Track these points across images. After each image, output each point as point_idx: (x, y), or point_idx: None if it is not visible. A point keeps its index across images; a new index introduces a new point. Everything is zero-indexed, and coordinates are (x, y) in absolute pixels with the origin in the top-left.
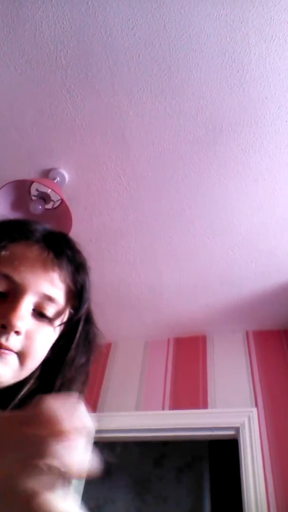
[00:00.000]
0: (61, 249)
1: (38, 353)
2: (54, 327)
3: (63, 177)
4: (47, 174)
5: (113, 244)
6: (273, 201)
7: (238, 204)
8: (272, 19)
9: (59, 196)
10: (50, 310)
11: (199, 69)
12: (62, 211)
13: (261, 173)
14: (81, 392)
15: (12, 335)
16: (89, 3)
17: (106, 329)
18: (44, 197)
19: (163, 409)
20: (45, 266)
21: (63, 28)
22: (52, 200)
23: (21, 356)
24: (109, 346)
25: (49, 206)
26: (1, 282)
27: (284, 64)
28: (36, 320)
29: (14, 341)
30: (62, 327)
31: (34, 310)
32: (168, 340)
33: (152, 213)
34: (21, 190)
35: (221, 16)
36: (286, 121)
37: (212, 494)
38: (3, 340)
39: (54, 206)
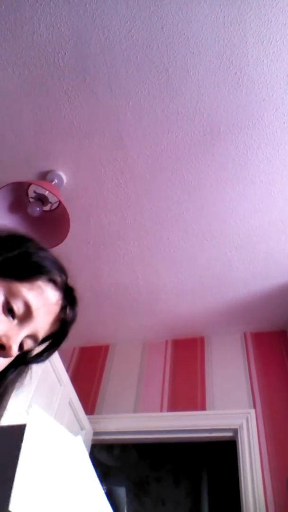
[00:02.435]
0: (74, 306)
1: None
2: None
3: (61, 179)
4: (44, 176)
5: (111, 246)
6: (270, 203)
7: (235, 206)
8: (269, 21)
9: (57, 198)
10: (28, 345)
11: (197, 71)
12: (60, 213)
13: (259, 175)
14: None
15: (2, 356)
16: (87, 5)
17: (104, 331)
18: (42, 199)
19: (161, 411)
20: (55, 316)
21: (61, 30)
22: (50, 202)
23: None
24: (107, 348)
25: (46, 208)
26: (21, 305)
27: (282, 66)
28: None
29: None
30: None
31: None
32: (166, 341)
33: (150, 215)
34: (18, 192)
35: (219, 18)
36: (284, 123)
37: (210, 496)
38: None
39: (52, 208)
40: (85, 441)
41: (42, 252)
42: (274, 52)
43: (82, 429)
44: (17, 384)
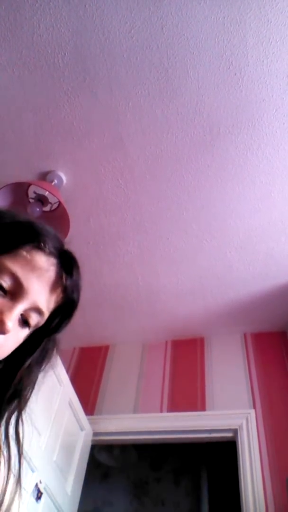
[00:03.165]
0: (71, 271)
1: (6, 352)
2: (28, 334)
3: (60, 180)
4: (44, 176)
5: (111, 246)
6: (270, 203)
7: (235, 207)
8: (269, 21)
9: (57, 198)
10: (34, 320)
11: (197, 72)
12: (60, 214)
13: (259, 175)
14: (25, 402)
15: None
16: (86, 6)
17: (104, 331)
18: (41, 200)
19: (161, 411)
20: (52, 283)
21: (61, 31)
22: (50, 203)
23: None
24: (107, 348)
25: (46, 208)
26: (8, 278)
27: (282, 66)
28: (18, 324)
29: None
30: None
31: (21, 315)
32: (166, 342)
33: (150, 216)
34: (18, 193)
35: (219, 18)
36: (283, 123)
37: (210, 496)
38: None
39: (52, 209)
40: (85, 442)
41: (21, 220)
42: (274, 52)
43: (82, 429)
44: (45, 362)
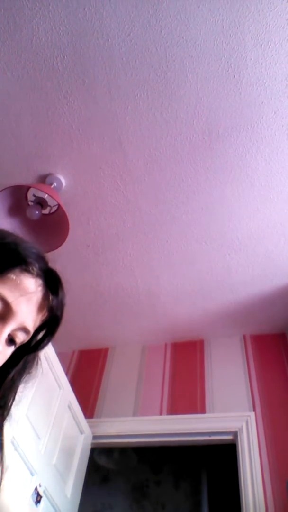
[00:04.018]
0: (57, 291)
1: None
2: (13, 351)
3: (60, 183)
4: (44, 179)
5: (110, 249)
6: (269, 205)
7: (235, 209)
8: (268, 24)
9: (56, 201)
10: (20, 339)
11: (196, 75)
12: (59, 217)
13: (258, 178)
14: (7, 410)
15: None
16: (85, 9)
17: (103, 334)
18: (41, 203)
19: (160, 414)
20: (39, 304)
21: (60, 34)
22: (49, 206)
23: None
24: (106, 351)
25: (46, 211)
26: None
27: (280, 69)
28: (5, 343)
29: None
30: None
31: (8, 335)
32: (166, 345)
33: (149, 218)
34: (18, 196)
35: (218, 21)
36: (282, 126)
37: (210, 499)
38: None
39: (51, 212)
40: (84, 445)
41: (8, 242)
42: (272, 55)
43: (81, 432)
44: (25, 374)
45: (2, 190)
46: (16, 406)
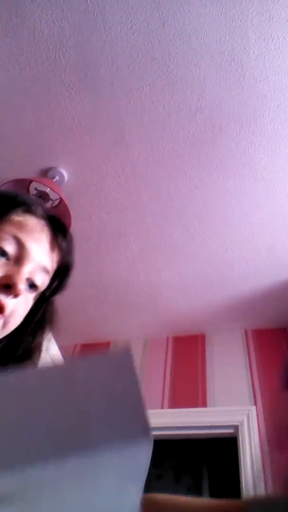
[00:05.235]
0: (64, 232)
1: (20, 318)
2: (37, 296)
3: (62, 176)
4: (46, 173)
5: (112, 243)
6: (272, 199)
7: (237, 203)
8: (271, 17)
9: (58, 195)
10: (40, 280)
11: (198, 68)
12: (61, 210)
13: (260, 171)
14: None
15: (11, 297)
16: (88, 1)
17: (105, 328)
18: (43, 196)
19: (162, 407)
20: (49, 243)
21: (62, 27)
22: (51, 199)
23: (6, 319)
24: (108, 345)
25: (48, 205)
26: (10, 242)
27: (283, 62)
28: (26, 289)
29: (10, 303)
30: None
31: (27, 279)
32: (167, 338)
33: (151, 212)
34: (20, 189)
35: (220, 14)
36: (286, 120)
37: (211, 493)
38: (2, 298)
39: (53, 205)
40: None
41: (9, 191)
42: (276, 48)
43: None
44: (47, 325)
45: (4, 183)
46: None
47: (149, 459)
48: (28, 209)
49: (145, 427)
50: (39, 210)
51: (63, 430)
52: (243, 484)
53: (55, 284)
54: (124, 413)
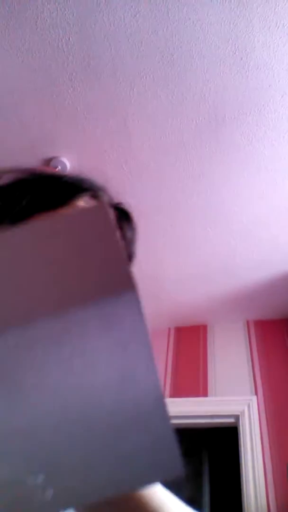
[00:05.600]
0: (130, 221)
1: None
2: None
3: (64, 166)
4: (48, 162)
5: None
6: (275, 190)
7: (240, 193)
8: (276, 5)
9: None
10: None
11: (202, 57)
12: None
13: (264, 162)
14: None
15: None
16: None
17: None
18: None
19: None
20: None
21: (65, 15)
22: None
23: None
24: None
25: None
26: None
27: None
28: None
29: None
30: None
31: None
32: (169, 329)
33: (154, 202)
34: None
35: (225, 2)
36: None
37: (211, 482)
38: None
39: None
40: None
41: (72, 176)
42: (281, 37)
43: None
44: None
45: (6, 173)
46: None
47: (141, 317)
48: (95, 194)
49: (125, 278)
50: (106, 197)
51: (34, 292)
52: (243, 473)
53: None
54: (101, 268)
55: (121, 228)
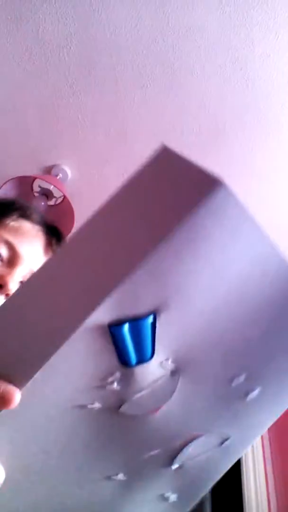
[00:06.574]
0: (59, 238)
1: None
2: None
3: (65, 174)
4: (49, 170)
5: None
6: (276, 199)
7: None
8: (276, 15)
9: (62, 192)
10: None
11: (203, 66)
12: (65, 208)
13: (264, 171)
14: None
15: (3, 296)
16: None
17: None
18: (46, 194)
19: None
20: (43, 248)
21: (66, 24)
22: (55, 197)
23: None
24: None
25: (51, 202)
26: (3, 246)
27: None
28: None
29: (1, 302)
30: None
31: (20, 282)
32: None
33: None
34: (23, 187)
35: (225, 12)
36: None
37: (213, 488)
38: None
39: (57, 203)
40: None
41: (7, 198)
42: (280, 47)
43: None
44: None
45: (7, 181)
46: None
47: (240, 203)
48: (24, 214)
49: (209, 179)
50: (35, 215)
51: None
52: (244, 479)
53: None
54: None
55: (51, 246)
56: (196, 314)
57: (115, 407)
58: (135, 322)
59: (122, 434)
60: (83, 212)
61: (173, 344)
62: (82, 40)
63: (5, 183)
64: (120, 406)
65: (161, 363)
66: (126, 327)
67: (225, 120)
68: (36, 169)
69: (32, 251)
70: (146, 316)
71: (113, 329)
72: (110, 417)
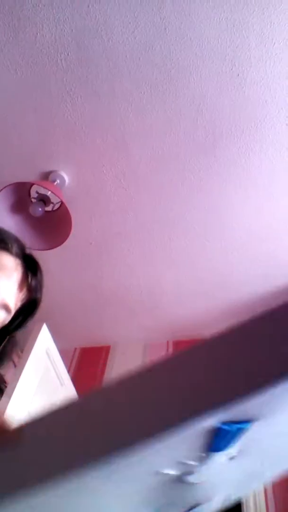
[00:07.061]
0: (35, 271)
1: None
2: None
3: (63, 180)
4: (47, 176)
5: (113, 247)
6: (272, 204)
7: (237, 208)
8: (272, 22)
9: (59, 198)
10: (1, 317)
11: (199, 73)
12: (62, 214)
13: (261, 176)
14: None
15: None
16: (89, 6)
17: (105, 332)
18: (44, 200)
19: None
20: (19, 282)
21: (64, 31)
22: (52, 203)
23: None
24: (108, 349)
25: (49, 208)
26: None
27: (284, 67)
28: None
29: None
30: None
31: None
32: (167, 343)
33: (152, 217)
34: (21, 193)
35: (222, 19)
36: (286, 125)
37: None
38: None
39: (54, 209)
40: None
41: None
42: (276, 53)
43: None
44: (6, 359)
45: (5, 187)
46: (19, 401)
47: None
48: (5, 247)
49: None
50: (15, 248)
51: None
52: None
53: (18, 320)
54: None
55: (27, 280)
56: (274, 433)
57: (182, 475)
58: (240, 424)
59: (171, 495)
60: (80, 217)
61: (245, 444)
62: (79, 47)
63: (2, 189)
64: (185, 475)
65: (229, 452)
66: (235, 427)
67: (222, 125)
68: (33, 175)
69: (8, 285)
70: (246, 422)
71: (224, 425)
72: (174, 483)
